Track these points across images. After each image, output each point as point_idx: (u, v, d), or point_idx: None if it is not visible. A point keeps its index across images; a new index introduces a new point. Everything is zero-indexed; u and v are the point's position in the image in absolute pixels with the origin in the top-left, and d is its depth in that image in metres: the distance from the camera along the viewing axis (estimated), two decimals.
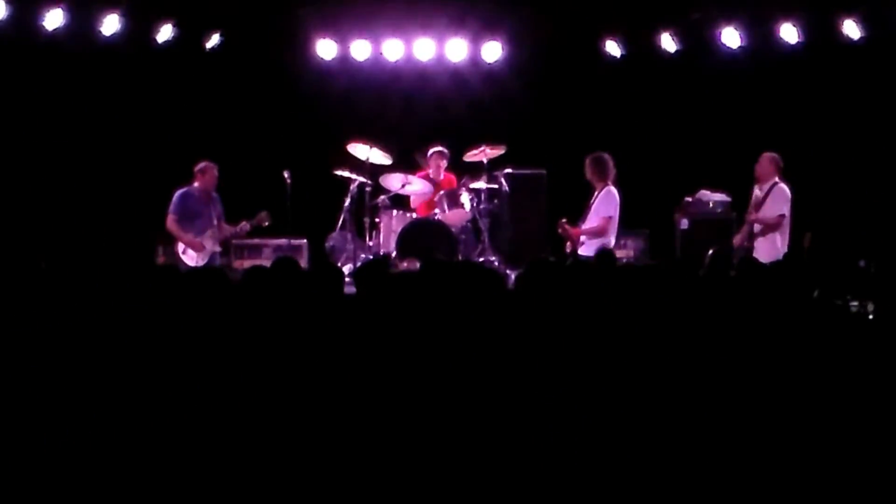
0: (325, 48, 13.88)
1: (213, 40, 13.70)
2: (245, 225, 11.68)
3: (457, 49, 13.92)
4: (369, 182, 12.06)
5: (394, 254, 11.55)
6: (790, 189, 11.14)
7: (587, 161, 11.40)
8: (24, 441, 3.93)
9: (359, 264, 11.47)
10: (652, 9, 13.59)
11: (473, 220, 12.09)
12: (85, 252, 12.22)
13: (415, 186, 12.17)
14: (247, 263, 11.85)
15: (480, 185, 12.03)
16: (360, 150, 12.20)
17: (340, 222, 12.15)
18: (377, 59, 14.00)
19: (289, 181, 11.86)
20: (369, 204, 12.09)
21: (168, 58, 13.57)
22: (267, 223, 11.69)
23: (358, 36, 13.88)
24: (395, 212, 12.15)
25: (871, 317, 5.94)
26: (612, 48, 13.93)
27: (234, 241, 12.47)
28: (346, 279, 10.02)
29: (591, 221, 11.21)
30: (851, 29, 13.05)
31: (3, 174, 13.09)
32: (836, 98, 13.24)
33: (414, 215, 12.16)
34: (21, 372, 4.34)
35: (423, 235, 11.59)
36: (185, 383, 4.27)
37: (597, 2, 13.66)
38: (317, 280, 5.85)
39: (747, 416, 4.09)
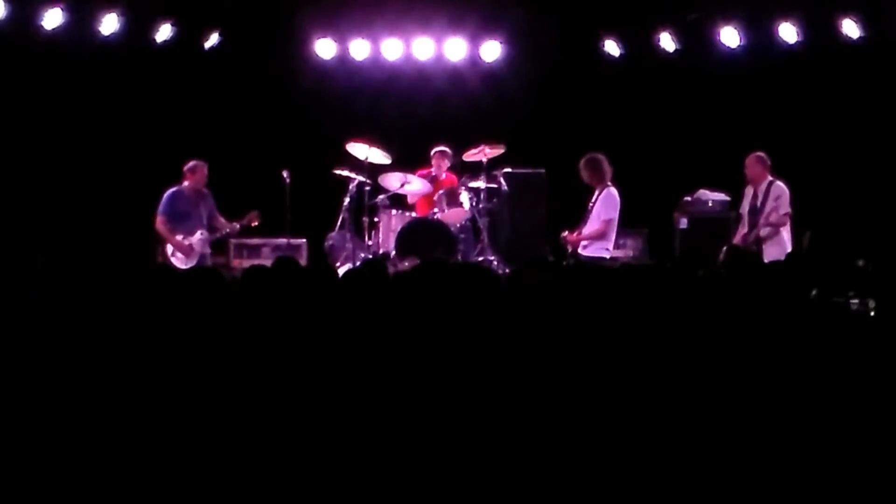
0: (324, 47, 13.88)
1: (212, 39, 13.71)
2: (235, 225, 11.65)
3: (456, 48, 13.92)
4: (368, 181, 12.06)
5: (393, 253, 11.54)
6: (787, 185, 11.15)
7: (582, 164, 11.38)
8: (21, 440, 3.92)
9: (357, 264, 11.49)
10: (651, 8, 13.58)
11: (472, 220, 12.08)
12: (84, 251, 12.21)
13: (414, 186, 12.16)
14: (246, 263, 11.86)
15: (480, 184, 12.03)
16: (359, 150, 12.19)
17: (339, 222, 12.14)
18: (376, 59, 14.00)
19: (288, 181, 11.86)
20: (368, 203, 12.09)
21: (167, 57, 13.57)
22: (256, 223, 11.65)
23: (357, 35, 13.88)
24: (394, 211, 12.14)
25: (872, 314, 5.93)
26: (612, 48, 13.93)
27: (233, 241, 12.46)
28: None
29: (593, 224, 11.19)
30: (851, 28, 13.04)
31: (2, 173, 13.07)
32: (836, 98, 13.24)
33: (413, 214, 12.15)
34: (19, 371, 4.33)
35: (422, 235, 11.59)
36: (183, 383, 4.26)
37: (596, 1, 13.66)
38: (315, 279, 5.83)
39: (748, 416, 4.08)
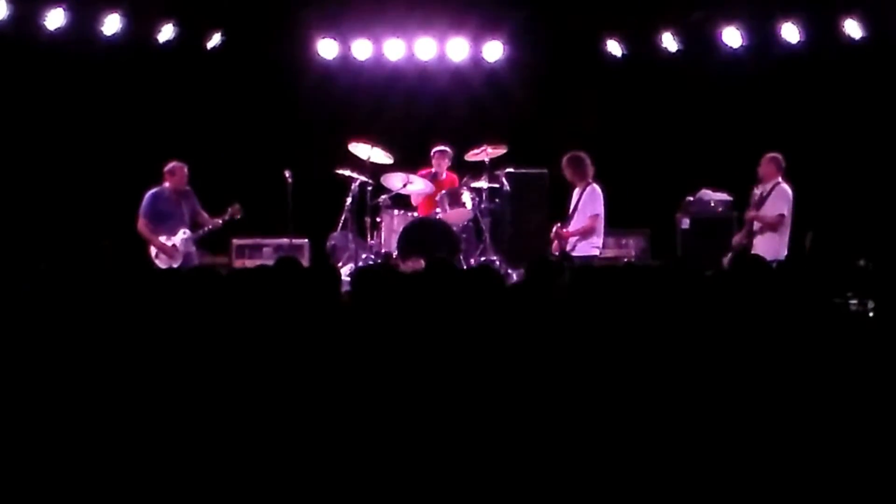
0: (327, 48, 13.89)
1: (215, 40, 13.72)
2: (217, 221, 11.59)
3: (458, 48, 13.93)
4: (370, 181, 12.07)
5: (395, 253, 11.55)
6: (792, 189, 11.12)
7: (565, 161, 11.34)
8: (21, 441, 3.93)
9: (360, 265, 11.49)
10: (653, 8, 13.58)
11: (475, 220, 12.09)
12: (85, 253, 12.21)
13: (416, 186, 12.17)
14: (248, 263, 11.86)
15: (482, 184, 12.03)
16: (362, 150, 12.20)
17: (342, 222, 12.15)
18: (378, 59, 14.01)
19: (290, 180, 11.87)
20: (370, 203, 12.09)
21: (169, 57, 13.58)
22: (238, 216, 11.59)
23: (359, 35, 13.89)
24: (396, 211, 12.15)
25: (871, 315, 5.93)
26: (614, 48, 13.94)
27: (234, 241, 12.46)
28: (346, 279, 10.08)
29: (580, 221, 11.17)
30: (853, 28, 13.04)
31: (3, 174, 13.08)
32: (838, 97, 13.23)
33: (415, 214, 12.16)
34: (19, 374, 4.34)
35: (424, 235, 11.59)
36: (184, 384, 4.27)
37: (598, 1, 13.66)
38: (317, 280, 5.83)
39: (749, 416, 4.09)
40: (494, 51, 13.90)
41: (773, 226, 11.02)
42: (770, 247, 10.82)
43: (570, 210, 11.23)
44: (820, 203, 12.14)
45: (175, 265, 11.18)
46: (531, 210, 12.57)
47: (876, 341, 4.64)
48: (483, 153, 12.14)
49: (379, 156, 12.26)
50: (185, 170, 11.57)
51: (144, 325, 4.85)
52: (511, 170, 12.39)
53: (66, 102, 13.33)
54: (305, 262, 11.70)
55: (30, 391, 4.20)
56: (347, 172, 12.04)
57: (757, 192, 11.27)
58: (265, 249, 12.47)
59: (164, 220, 11.45)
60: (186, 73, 13.72)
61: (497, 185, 12.18)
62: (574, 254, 10.96)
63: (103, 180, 13.36)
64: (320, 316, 5.10)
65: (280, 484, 3.86)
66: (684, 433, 4.03)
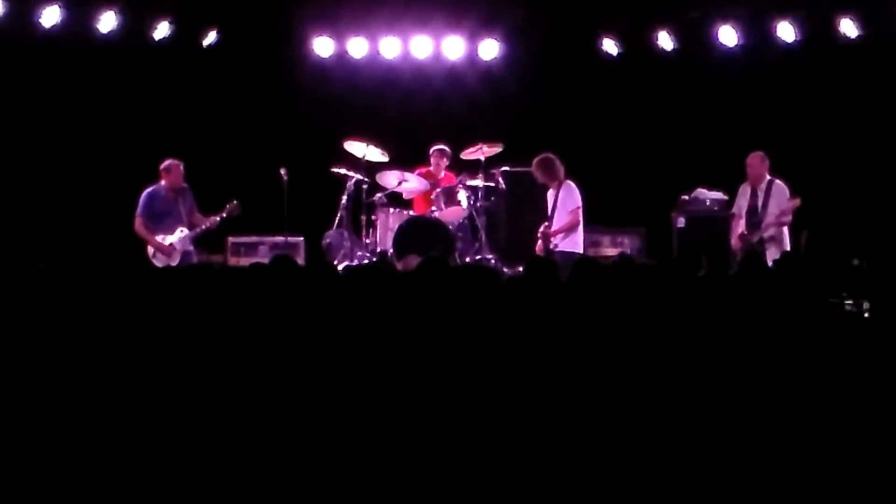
0: (322, 45, 13.88)
1: (210, 37, 13.71)
2: (215, 218, 11.59)
3: (454, 47, 13.92)
4: (366, 179, 12.07)
5: (390, 251, 11.54)
6: (787, 184, 11.18)
7: (535, 165, 11.44)
8: (18, 440, 3.93)
9: (355, 263, 11.49)
10: (649, 7, 13.59)
11: (470, 218, 12.09)
12: (82, 251, 12.20)
13: (411, 184, 12.17)
14: (243, 261, 11.85)
15: (477, 182, 12.03)
16: (357, 148, 12.20)
17: (337, 220, 12.14)
18: (374, 57, 14.00)
19: (286, 178, 11.87)
20: (366, 201, 12.09)
21: (165, 55, 13.56)
22: (238, 213, 11.60)
23: (355, 33, 13.89)
24: (391, 209, 12.15)
25: (866, 315, 5.94)
26: (610, 46, 13.93)
27: (230, 239, 12.44)
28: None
29: (561, 219, 11.27)
30: (849, 27, 13.05)
31: (1, 171, 13.08)
32: (833, 97, 13.24)
33: (411, 213, 12.15)
34: (16, 372, 4.33)
35: (419, 233, 11.58)
36: (181, 382, 4.27)
37: (594, 0, 13.66)
38: (313, 277, 5.83)
39: (743, 415, 4.10)
40: (490, 49, 13.90)
41: (786, 224, 11.08)
42: (781, 246, 10.89)
43: (550, 210, 11.31)
44: (815, 202, 12.13)
45: (173, 264, 11.13)
46: (527, 209, 12.55)
47: (871, 342, 4.65)
48: (479, 152, 12.14)
49: (374, 154, 12.27)
50: (181, 167, 11.57)
51: (140, 324, 4.85)
52: (507, 168, 12.39)
53: (61, 100, 13.32)
54: (301, 261, 11.71)
55: (26, 390, 4.19)
56: (343, 170, 12.04)
57: (748, 192, 11.28)
58: (261, 247, 12.45)
59: (162, 218, 11.45)
60: (182, 70, 13.71)
61: (493, 184, 12.19)
62: (557, 251, 11.01)
63: (99, 178, 13.35)
64: (316, 314, 5.10)
65: (276, 481, 3.86)
66: (678, 432, 4.04)
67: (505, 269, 11.21)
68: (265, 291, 5.48)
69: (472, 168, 12.27)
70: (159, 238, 11.39)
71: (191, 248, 11.54)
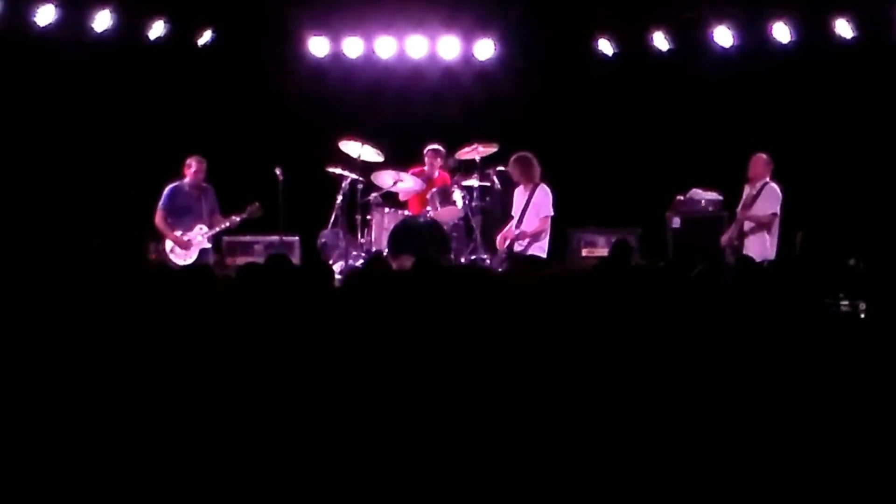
0: (318, 45, 13.88)
1: (206, 37, 13.70)
2: (235, 218, 11.63)
3: (449, 47, 13.93)
4: (361, 179, 12.05)
5: (385, 251, 11.53)
6: (781, 189, 11.17)
7: (513, 161, 11.44)
8: (16, 441, 3.91)
9: (350, 262, 11.48)
10: (644, 7, 13.59)
11: (465, 218, 12.08)
12: (75, 249, 12.18)
13: (407, 184, 12.15)
14: (239, 260, 11.83)
15: (472, 182, 12.02)
16: (352, 148, 12.19)
17: (332, 219, 12.14)
18: (369, 57, 14.00)
19: (281, 178, 11.84)
20: (361, 201, 12.08)
21: (160, 54, 13.55)
22: (259, 214, 11.64)
23: (350, 33, 13.89)
24: (386, 209, 12.14)
25: (862, 316, 5.93)
26: (605, 47, 13.94)
27: (225, 238, 12.43)
28: (338, 276, 10.02)
29: (531, 222, 11.26)
30: (844, 28, 13.05)
31: None
32: (828, 97, 13.24)
33: (406, 212, 12.14)
34: (13, 373, 4.32)
35: (414, 233, 11.58)
36: (176, 382, 4.25)
37: (589, 0, 13.66)
38: (308, 277, 5.82)
39: (736, 417, 4.09)
40: (486, 49, 13.90)
41: (765, 225, 11.05)
42: (761, 247, 10.87)
43: (520, 211, 11.29)
44: (810, 203, 12.15)
45: (189, 260, 11.31)
46: None
47: (867, 343, 4.64)
48: (474, 151, 12.14)
49: (369, 154, 12.26)
50: (204, 165, 11.64)
51: (135, 323, 4.84)
52: (502, 168, 12.35)
53: (55, 99, 13.29)
54: (296, 260, 11.70)
55: (21, 391, 4.18)
56: (338, 170, 12.03)
57: (747, 191, 11.30)
58: (256, 247, 12.43)
59: (182, 214, 11.53)
60: (177, 70, 13.69)
61: (488, 184, 12.17)
62: (525, 254, 10.97)
63: (93, 177, 13.33)
64: (311, 313, 5.08)
65: (272, 481, 3.85)
66: (671, 433, 4.03)
67: (500, 269, 11.20)
68: (260, 291, 5.46)
69: (467, 168, 12.27)
70: (178, 234, 11.43)
71: (208, 245, 11.62)
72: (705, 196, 12.19)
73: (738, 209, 11.36)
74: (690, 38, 13.67)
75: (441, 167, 12.49)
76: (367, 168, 12.18)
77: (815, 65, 13.28)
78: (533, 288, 5.67)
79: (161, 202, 11.53)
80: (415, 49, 13.95)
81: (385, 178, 12.09)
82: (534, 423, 4.03)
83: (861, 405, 4.06)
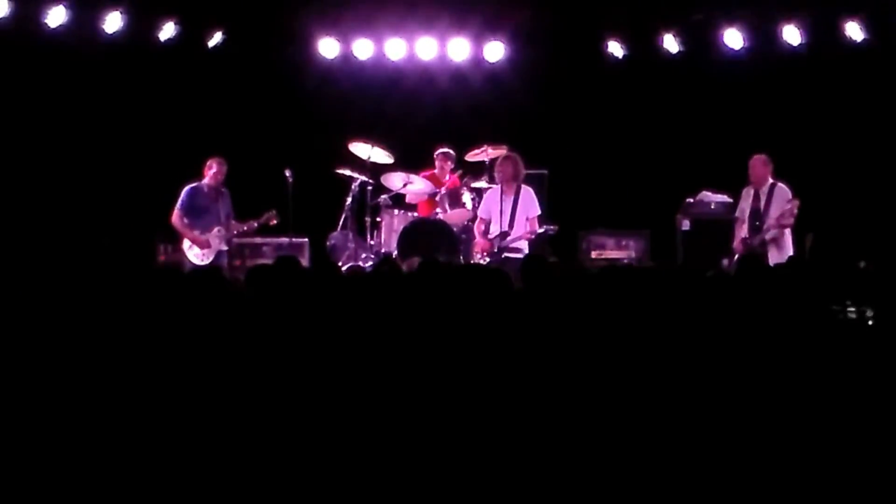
0: (328, 47, 13.89)
1: (216, 38, 13.72)
2: (252, 223, 11.65)
3: (459, 49, 13.93)
4: (371, 181, 12.07)
5: (395, 253, 11.54)
6: (790, 188, 11.15)
7: (507, 160, 11.34)
8: (21, 442, 3.93)
9: (360, 263, 11.49)
10: (654, 10, 13.58)
11: (475, 220, 12.07)
12: (86, 250, 12.22)
13: (416, 186, 12.17)
14: (248, 263, 11.84)
15: (482, 184, 12.03)
16: (362, 150, 12.21)
17: (342, 221, 12.15)
18: (379, 59, 14.01)
19: (290, 179, 11.85)
20: (370, 203, 12.10)
21: (170, 56, 13.58)
22: (275, 222, 11.66)
23: (360, 35, 13.90)
24: (396, 211, 12.15)
25: (870, 323, 5.91)
26: (615, 49, 13.93)
27: (234, 241, 12.43)
28: None
29: (522, 223, 11.19)
30: (854, 31, 13.03)
31: (5, 172, 13.08)
32: (838, 100, 13.23)
33: (415, 215, 12.16)
34: (17, 374, 4.33)
35: (424, 235, 11.58)
36: (186, 384, 4.27)
37: (599, 2, 13.66)
38: (318, 279, 5.83)
39: (745, 423, 4.10)
40: (496, 51, 13.90)
41: (788, 227, 11.05)
42: (784, 253, 10.84)
43: (508, 213, 11.19)
44: (822, 205, 12.13)
45: (207, 261, 11.29)
46: None
47: (873, 350, 4.64)
48: (483, 153, 12.16)
49: (379, 155, 12.27)
50: (225, 167, 11.61)
51: (144, 325, 4.85)
52: None
53: (66, 101, 13.32)
54: (305, 262, 11.72)
55: (25, 391, 4.20)
56: (348, 172, 12.05)
57: (749, 193, 11.27)
58: (264, 249, 12.45)
59: (200, 215, 11.50)
60: (187, 71, 13.72)
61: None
62: (511, 257, 10.89)
63: (103, 178, 13.36)
64: (321, 315, 5.09)
65: (281, 483, 3.86)
66: (675, 435, 4.04)
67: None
68: (269, 293, 5.48)
69: (477, 170, 12.28)
70: (196, 233, 11.47)
71: (224, 248, 11.59)
72: (715, 198, 12.18)
73: (744, 215, 11.33)
74: (700, 40, 13.66)
75: (451, 170, 12.50)
76: (376, 170, 12.21)
77: (825, 67, 13.27)
78: (547, 289, 5.69)
79: (179, 202, 11.48)
80: (425, 51, 13.96)
81: (395, 180, 12.11)
82: (542, 426, 4.04)
83: (866, 412, 4.07)
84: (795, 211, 10.98)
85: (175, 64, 13.63)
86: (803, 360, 4.47)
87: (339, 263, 11.45)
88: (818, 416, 4.06)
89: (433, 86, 14.08)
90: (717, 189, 12.28)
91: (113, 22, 13.16)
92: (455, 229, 11.76)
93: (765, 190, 11.20)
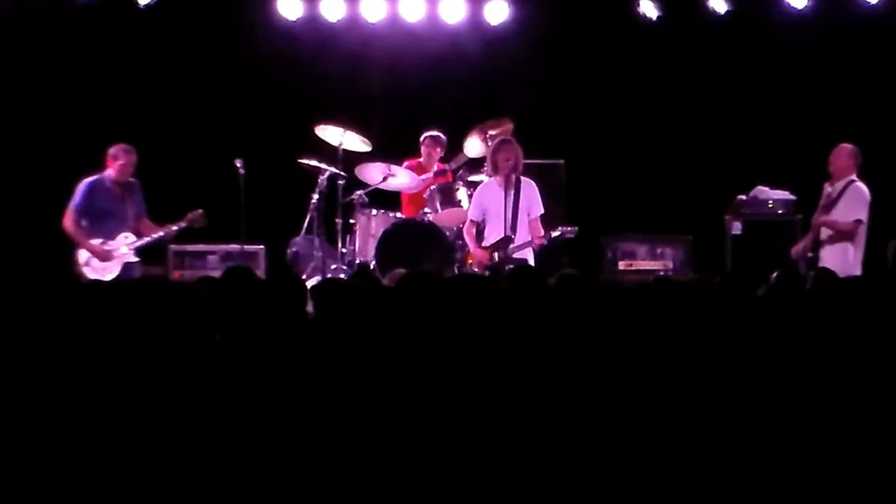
0: (289, 7, 13.90)
1: None
2: (171, 228, 11.51)
3: (452, 8, 13.95)
4: (343, 174, 12.08)
5: (373, 264, 11.55)
6: (869, 189, 11.13)
7: (511, 144, 11.19)
8: None
9: (329, 277, 11.49)
10: None
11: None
12: None
13: (400, 179, 12.18)
14: (188, 274, 11.82)
15: (482, 177, 12.03)
16: (332, 134, 12.23)
17: (306, 224, 12.16)
18: (354, 20, 14.00)
19: (242, 172, 11.85)
20: (342, 201, 12.09)
21: (92, 16, 13.56)
22: (201, 224, 11.52)
23: None
24: (374, 211, 12.15)
25: None
26: (647, 8, 13.95)
27: (172, 247, 12.41)
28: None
29: (526, 227, 11.06)
30: None
31: None
32: None
33: (399, 215, 12.17)
34: None
35: (409, 241, 11.58)
36: (116, 414, 4.33)
37: None
38: (276, 294, 5.85)
39: (819, 464, 4.16)
40: (498, 11, 13.92)
41: (846, 234, 11.03)
42: (841, 259, 10.82)
43: (510, 212, 11.08)
44: None
45: (110, 276, 11.02)
46: (544, 209, 12.57)
47: None
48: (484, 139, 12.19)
49: (353, 142, 12.29)
50: (134, 157, 11.42)
51: (65, 347, 4.90)
52: None
53: None
54: (261, 274, 11.72)
55: None
56: (314, 162, 12.06)
57: (828, 190, 11.29)
58: (210, 258, 12.42)
59: (102, 218, 11.29)
60: (114, 36, 13.70)
61: None
62: (515, 259, 10.84)
63: (9, 171, 13.34)
64: (280, 338, 5.11)
65: None
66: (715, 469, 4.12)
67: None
68: (216, 312, 5.49)
69: (476, 159, 12.30)
70: (96, 242, 11.35)
71: (135, 259, 11.39)
72: (773, 195, 12.21)
73: (816, 213, 11.35)
74: None
75: (442, 158, 12.51)
76: (349, 160, 12.21)
77: None
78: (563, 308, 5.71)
79: (74, 202, 11.29)
80: (410, 11, 13.98)
81: (372, 173, 12.11)
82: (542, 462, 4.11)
83: None
84: (852, 217, 10.98)
85: (98, 27, 13.60)
86: (886, 392, 4.53)
87: (304, 276, 11.47)
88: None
89: (421, 55, 14.07)
90: (775, 183, 12.30)
91: None
92: (448, 234, 11.77)
93: (839, 186, 11.16)
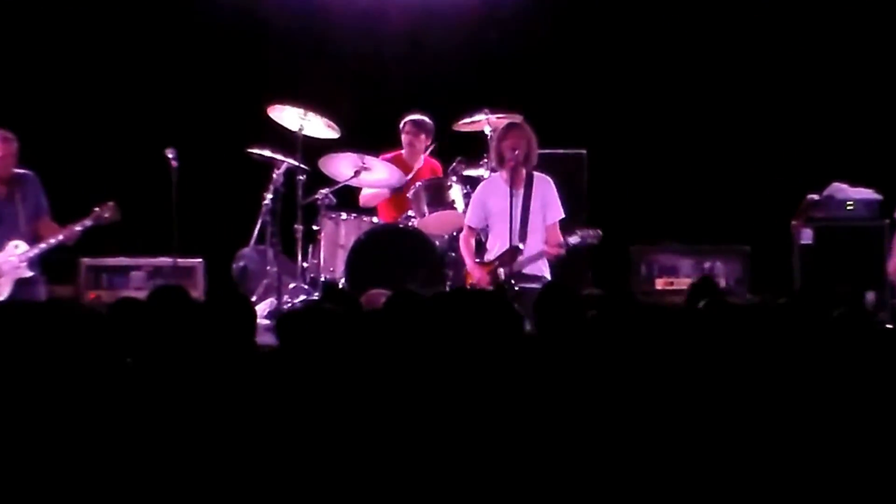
0: None
1: None
2: (74, 228, 11.45)
3: None
4: (304, 167, 12.06)
5: (342, 282, 11.53)
6: None
7: (520, 130, 11.13)
8: None
9: (286, 299, 11.47)
10: None
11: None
12: None
13: (376, 174, 12.16)
14: (106, 296, 11.82)
15: (480, 171, 12.03)
16: (289, 117, 12.20)
17: (257, 231, 12.15)
18: None
19: (175, 164, 11.81)
20: (303, 202, 12.08)
21: None
22: (114, 219, 11.44)
23: None
24: (344, 215, 12.14)
25: None
26: None
27: (85, 262, 12.40)
28: (264, 320, 9.98)
29: (540, 234, 11.02)
30: None
31: None
32: None
33: (374, 220, 12.16)
34: None
35: (388, 252, 11.58)
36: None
37: None
38: (216, 320, 5.84)
39: None
40: None
41: None
42: None
43: (518, 216, 11.03)
44: None
45: (1, 297, 11.08)
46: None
47: None
48: (482, 123, 12.16)
49: (316, 127, 12.27)
50: (14, 146, 11.46)
51: None
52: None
53: None
54: (198, 294, 11.71)
55: None
56: (266, 153, 12.05)
57: None
58: (134, 274, 12.47)
59: None
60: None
61: None
62: (523, 287, 10.79)
63: None
64: (221, 376, 5.11)
65: None
66: None
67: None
68: (139, 340, 5.49)
69: (473, 148, 12.28)
70: None
71: (30, 273, 11.35)
72: (853, 194, 12.24)
73: None
74: None
75: (428, 150, 12.50)
76: (312, 149, 12.19)
77: None
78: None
79: None
80: None
81: (341, 166, 12.10)
82: None
83: None
84: None
85: None
86: None
87: (253, 297, 11.44)
88: None
89: (402, 19, 14.11)
90: (855, 181, 12.31)
91: None
92: (438, 243, 11.76)
93: None
